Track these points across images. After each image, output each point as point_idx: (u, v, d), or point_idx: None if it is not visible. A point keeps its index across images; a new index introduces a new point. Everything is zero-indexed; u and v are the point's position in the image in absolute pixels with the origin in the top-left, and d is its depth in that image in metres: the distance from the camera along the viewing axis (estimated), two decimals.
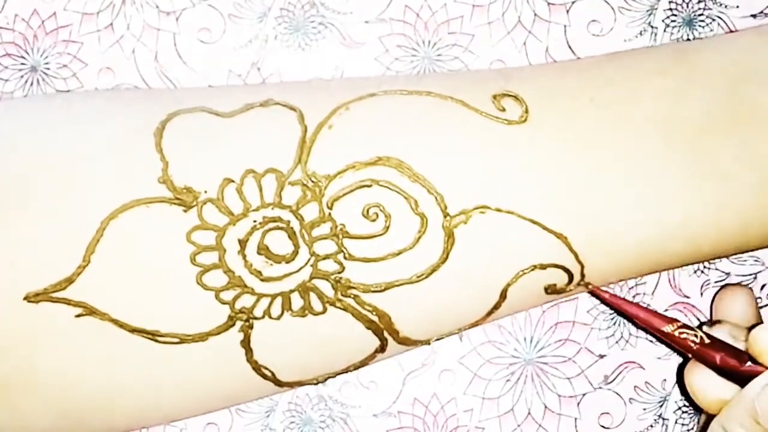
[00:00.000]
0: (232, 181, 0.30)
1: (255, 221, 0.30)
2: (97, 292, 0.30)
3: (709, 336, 0.30)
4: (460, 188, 0.30)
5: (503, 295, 0.31)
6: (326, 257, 0.30)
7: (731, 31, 0.37)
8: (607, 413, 0.37)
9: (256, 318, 0.30)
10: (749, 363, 0.30)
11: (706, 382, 0.30)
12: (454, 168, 0.30)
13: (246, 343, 0.31)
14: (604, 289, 0.32)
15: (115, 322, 0.30)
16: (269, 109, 0.31)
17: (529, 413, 0.37)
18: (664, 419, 0.37)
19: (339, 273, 0.30)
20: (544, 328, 0.37)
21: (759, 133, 0.30)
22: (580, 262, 0.31)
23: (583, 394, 0.37)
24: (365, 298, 0.30)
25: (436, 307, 0.31)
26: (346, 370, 0.33)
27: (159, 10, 0.37)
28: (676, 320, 0.31)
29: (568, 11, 0.37)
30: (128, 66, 0.36)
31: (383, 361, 0.35)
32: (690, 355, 0.31)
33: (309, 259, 0.30)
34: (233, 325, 0.30)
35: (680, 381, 0.36)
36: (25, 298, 0.29)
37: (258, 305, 0.30)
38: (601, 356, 0.37)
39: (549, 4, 0.37)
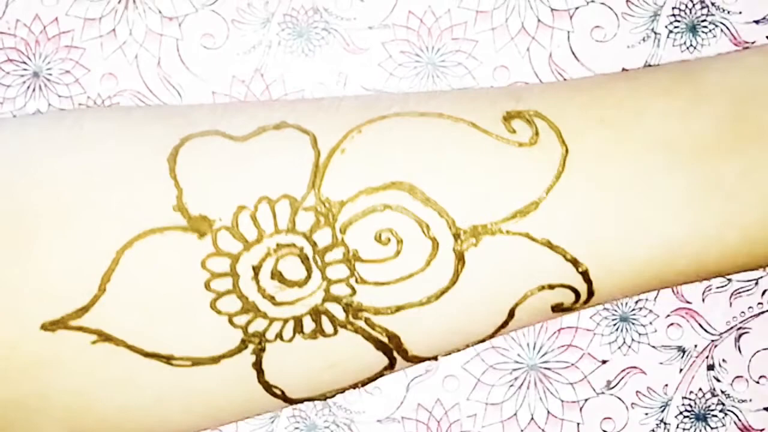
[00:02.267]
0: (246, 208, 0.30)
1: (269, 247, 0.30)
2: (113, 319, 0.30)
3: None
4: (471, 211, 0.30)
5: (511, 315, 0.31)
6: (338, 281, 0.30)
7: (734, 38, 0.37)
8: (610, 418, 0.37)
9: (268, 341, 0.30)
10: None
11: None
12: (465, 191, 0.30)
13: (258, 365, 0.31)
14: None
15: (130, 347, 0.30)
16: (282, 132, 0.31)
17: (532, 418, 0.37)
18: (665, 424, 0.37)
19: (351, 296, 0.30)
20: (547, 333, 0.37)
21: (762, 151, 0.30)
22: (587, 282, 0.31)
23: (586, 399, 0.37)
24: (376, 321, 0.30)
25: (445, 327, 0.32)
26: (353, 386, 0.33)
27: (162, 16, 0.36)
28: None
29: (571, 17, 0.37)
30: (131, 72, 0.36)
31: None
32: None
33: (321, 284, 0.30)
34: (246, 348, 0.30)
35: None
36: (41, 327, 0.29)
37: (270, 329, 0.30)
38: (604, 362, 0.37)
39: (552, 10, 0.37)
